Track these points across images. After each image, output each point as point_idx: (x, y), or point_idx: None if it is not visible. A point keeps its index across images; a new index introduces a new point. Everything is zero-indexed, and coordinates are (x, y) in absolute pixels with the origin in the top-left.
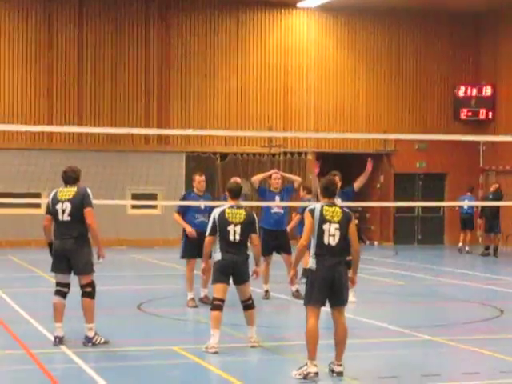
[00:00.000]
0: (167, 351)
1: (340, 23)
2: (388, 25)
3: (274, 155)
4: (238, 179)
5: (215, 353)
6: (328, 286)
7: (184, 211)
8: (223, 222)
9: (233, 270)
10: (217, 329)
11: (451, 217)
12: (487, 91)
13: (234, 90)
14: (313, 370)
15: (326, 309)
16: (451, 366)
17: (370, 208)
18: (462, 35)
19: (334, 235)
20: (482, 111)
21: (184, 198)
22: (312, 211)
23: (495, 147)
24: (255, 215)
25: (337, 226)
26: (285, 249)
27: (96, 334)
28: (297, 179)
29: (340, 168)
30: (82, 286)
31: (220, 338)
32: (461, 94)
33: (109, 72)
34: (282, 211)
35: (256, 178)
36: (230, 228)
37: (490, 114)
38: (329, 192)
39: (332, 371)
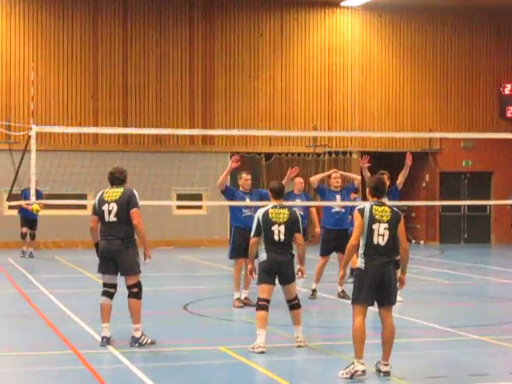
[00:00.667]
0: (214, 351)
1: (384, 21)
2: (432, 22)
3: (318, 155)
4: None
5: (261, 352)
6: (376, 285)
7: (230, 198)
8: (267, 222)
9: (278, 270)
10: (263, 328)
11: (498, 215)
12: None
13: (279, 89)
14: (360, 368)
15: (373, 308)
16: (499, 365)
17: (416, 207)
18: (508, 32)
19: (383, 235)
20: None
21: (228, 189)
22: (362, 211)
23: None
24: (298, 215)
25: (386, 225)
26: (344, 248)
27: (143, 334)
28: (356, 178)
29: (385, 168)
30: (129, 287)
31: (266, 337)
32: (507, 91)
33: (153, 73)
34: (343, 210)
35: (315, 178)
36: (274, 228)
37: None
38: (378, 191)
39: (379, 371)
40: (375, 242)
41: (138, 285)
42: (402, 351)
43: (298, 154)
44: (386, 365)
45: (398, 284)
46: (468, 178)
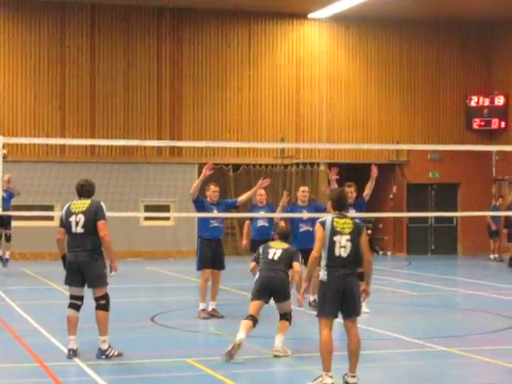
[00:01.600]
0: (181, 363)
1: (351, 33)
2: (399, 35)
3: (286, 166)
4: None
5: (239, 345)
6: (340, 297)
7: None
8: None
9: (271, 288)
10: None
11: (464, 227)
12: (500, 101)
13: (246, 101)
14: (328, 381)
15: (340, 320)
16: (466, 377)
17: (384, 218)
18: (474, 45)
19: (345, 246)
20: (495, 121)
21: (199, 198)
22: (323, 223)
23: (508, 157)
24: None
25: (348, 237)
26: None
27: (110, 346)
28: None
29: (353, 179)
30: (96, 299)
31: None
32: (473, 103)
33: (121, 83)
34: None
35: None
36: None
37: (503, 124)
38: (340, 204)
39: (346, 383)
40: (337, 253)
41: (106, 297)
42: (370, 363)
43: (266, 166)
44: (354, 376)
45: (363, 295)
46: (435, 190)
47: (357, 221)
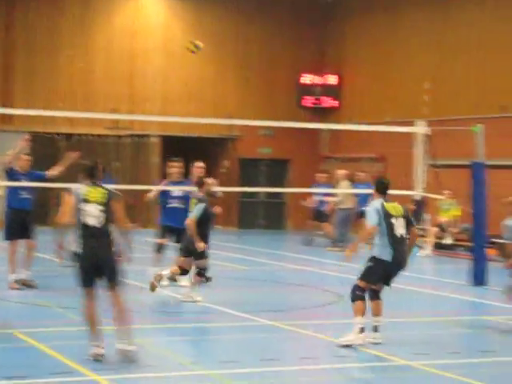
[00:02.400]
0: (4, 335)
1: (187, 7)
2: (235, 10)
3: (119, 137)
4: None
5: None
6: (94, 266)
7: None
8: None
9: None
10: None
11: (293, 203)
12: (332, 80)
13: (80, 70)
14: (98, 351)
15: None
16: (290, 350)
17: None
18: (308, 23)
19: (96, 216)
20: (326, 99)
21: (12, 168)
22: (74, 192)
23: (338, 135)
24: None
25: (99, 207)
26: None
27: None
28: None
29: (187, 152)
30: None
31: (59, 321)
32: (306, 81)
33: None
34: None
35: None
36: None
37: (335, 103)
38: (92, 175)
39: (123, 350)
40: (88, 222)
41: None
42: (197, 336)
43: (99, 136)
44: (128, 344)
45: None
46: (266, 165)
47: (110, 189)
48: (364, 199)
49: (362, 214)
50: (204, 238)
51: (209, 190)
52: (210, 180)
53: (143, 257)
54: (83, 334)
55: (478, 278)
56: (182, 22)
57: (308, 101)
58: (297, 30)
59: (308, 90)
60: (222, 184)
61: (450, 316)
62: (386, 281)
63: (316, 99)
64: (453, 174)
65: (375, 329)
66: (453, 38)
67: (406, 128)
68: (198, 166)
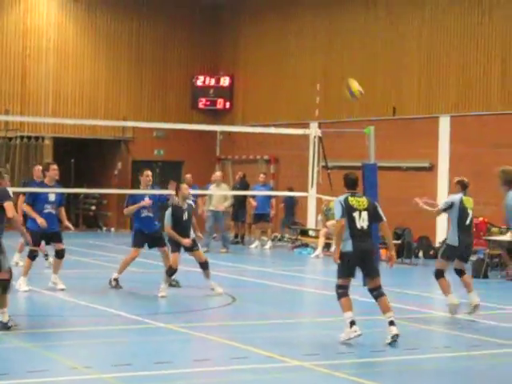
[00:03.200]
0: None
1: (80, 7)
2: (128, 10)
3: (10, 139)
4: None
5: None
6: None
7: None
8: None
9: None
10: None
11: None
12: (225, 81)
13: None
14: None
15: None
16: (183, 353)
17: (108, 195)
18: (202, 25)
19: None
20: (220, 101)
21: None
22: None
23: (231, 137)
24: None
25: None
26: None
27: None
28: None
29: (79, 154)
30: None
31: None
32: (199, 83)
33: None
34: None
35: None
36: None
37: (228, 104)
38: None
39: None
40: None
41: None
42: (88, 339)
43: None
44: None
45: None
46: (160, 167)
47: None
48: (264, 201)
49: (261, 216)
50: None
51: None
52: None
53: None
54: None
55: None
56: (74, 21)
57: (202, 102)
58: (191, 31)
59: (202, 91)
60: (115, 186)
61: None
62: (352, 272)
63: (210, 101)
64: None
65: (391, 323)
66: (339, 40)
67: (298, 130)
68: (54, 168)
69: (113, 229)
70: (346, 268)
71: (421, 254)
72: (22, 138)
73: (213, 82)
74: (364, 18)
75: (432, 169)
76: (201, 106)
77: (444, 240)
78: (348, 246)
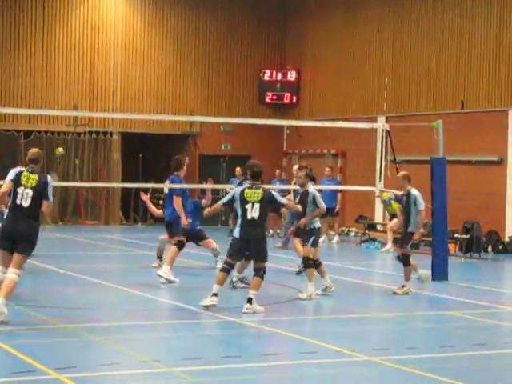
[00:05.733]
0: None
1: (147, 3)
2: (195, 5)
3: (79, 134)
4: None
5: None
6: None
7: None
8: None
9: None
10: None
11: None
12: (292, 76)
13: (39, 67)
14: None
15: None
16: (252, 347)
17: None
18: (268, 19)
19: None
20: (287, 95)
21: None
22: None
23: (298, 131)
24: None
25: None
26: None
27: None
28: None
29: (147, 149)
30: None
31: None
32: (266, 77)
33: None
34: None
35: None
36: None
37: (295, 99)
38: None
39: None
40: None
41: None
42: (157, 333)
43: (58, 133)
44: None
45: None
46: (227, 161)
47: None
48: (331, 195)
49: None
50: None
51: None
52: None
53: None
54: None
55: (439, 272)
56: (142, 17)
57: (269, 97)
58: (257, 26)
59: (269, 85)
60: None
61: (411, 311)
62: (240, 254)
63: (276, 95)
64: (413, 169)
65: (248, 300)
66: (406, 33)
67: (365, 124)
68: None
69: None
70: (234, 250)
71: (490, 248)
72: (90, 133)
73: (279, 76)
74: (432, 10)
75: (501, 162)
76: (267, 100)
77: None
78: (236, 233)
